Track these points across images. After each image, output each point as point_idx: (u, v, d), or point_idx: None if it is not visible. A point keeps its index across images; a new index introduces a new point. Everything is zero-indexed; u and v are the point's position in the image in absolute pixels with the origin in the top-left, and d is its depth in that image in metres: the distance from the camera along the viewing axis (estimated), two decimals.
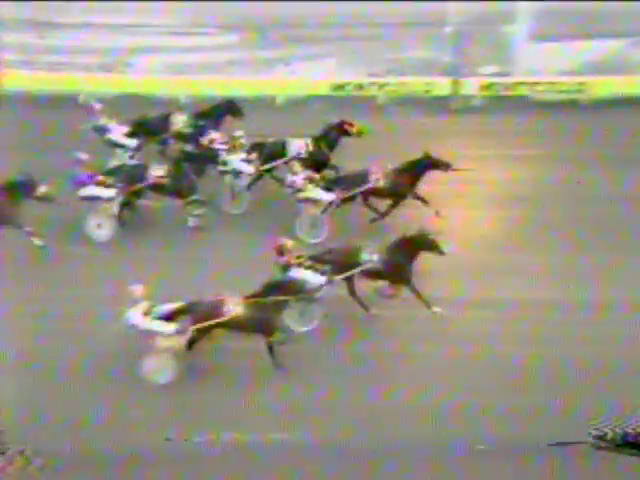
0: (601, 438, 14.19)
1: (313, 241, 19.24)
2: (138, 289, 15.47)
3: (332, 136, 21.42)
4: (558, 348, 16.50)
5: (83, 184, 19.43)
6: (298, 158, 20.68)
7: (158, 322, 15.48)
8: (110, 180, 19.61)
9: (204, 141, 21.31)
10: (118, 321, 15.49)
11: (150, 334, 15.43)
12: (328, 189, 19.86)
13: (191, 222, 20.04)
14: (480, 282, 18.23)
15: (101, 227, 19.62)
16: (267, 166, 21.05)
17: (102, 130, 21.59)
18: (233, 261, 18.48)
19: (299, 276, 16.54)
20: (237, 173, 20.67)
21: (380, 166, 20.00)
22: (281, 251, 16.81)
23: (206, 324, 15.57)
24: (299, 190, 19.73)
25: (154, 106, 23.87)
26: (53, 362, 16.00)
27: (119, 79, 27.16)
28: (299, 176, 19.79)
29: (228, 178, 20.71)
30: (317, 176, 20.12)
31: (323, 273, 16.86)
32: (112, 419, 14.91)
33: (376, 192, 20.06)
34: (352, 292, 17.44)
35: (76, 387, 15.54)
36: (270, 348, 15.87)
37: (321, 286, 16.72)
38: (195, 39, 27.91)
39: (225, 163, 20.56)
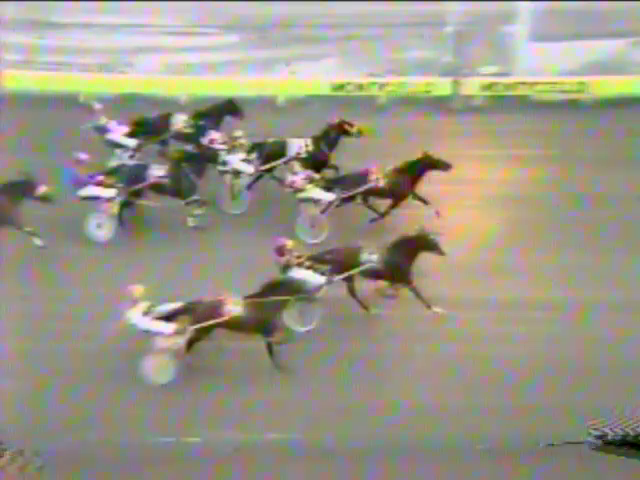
0: (601, 438, 14.20)
1: (313, 241, 19.24)
2: (138, 289, 15.47)
3: (332, 136, 21.40)
4: (558, 348, 16.52)
5: (83, 184, 19.44)
6: (298, 158, 20.69)
7: (158, 322, 15.49)
8: (110, 180, 19.63)
9: (204, 141, 21.34)
10: (118, 321, 15.49)
11: (150, 334, 15.44)
12: (328, 189, 19.87)
13: (191, 222, 20.03)
14: (480, 282, 18.25)
15: (101, 227, 19.61)
16: (267, 166, 21.05)
17: (102, 130, 21.59)
18: (233, 261, 18.49)
19: (299, 276, 16.55)
20: (237, 173, 20.68)
21: (380, 166, 20.00)
22: (281, 251, 16.82)
23: (206, 324, 15.58)
24: (299, 190, 19.74)
25: (154, 106, 23.88)
26: (53, 362, 16.00)
27: (119, 79, 27.13)
28: (299, 176, 19.80)
29: (228, 178, 20.72)
30: (317, 176, 20.13)
31: (323, 273, 16.87)
32: (112, 419, 14.92)
33: (376, 192, 20.06)
34: (352, 292, 17.44)
35: (76, 387, 15.54)
36: (270, 348, 15.87)
37: (321, 286, 16.74)
38: (195, 39, 27.89)
39: (225, 163, 20.56)
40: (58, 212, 19.27)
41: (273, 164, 21.09)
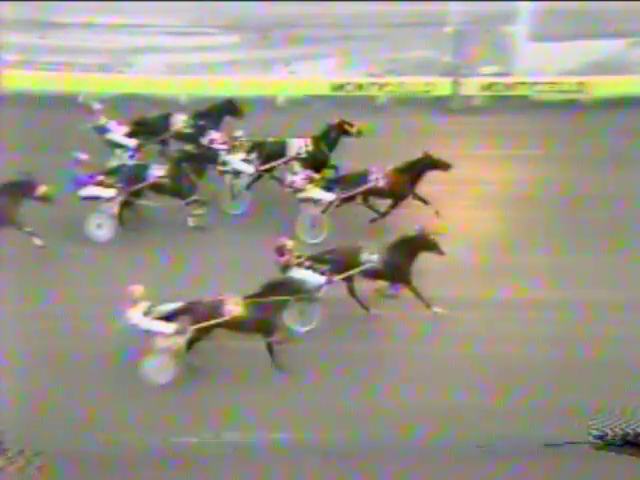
0: (601, 438, 14.19)
1: (313, 241, 19.24)
2: (138, 289, 15.47)
3: (332, 136, 21.39)
4: (558, 348, 16.52)
5: (83, 184, 19.44)
6: (298, 158, 20.70)
7: (158, 322, 15.49)
8: (110, 180, 19.63)
9: (204, 141, 21.33)
10: (118, 321, 15.50)
11: (150, 334, 15.45)
12: (328, 189, 19.87)
13: (191, 222, 20.03)
14: (480, 282, 18.24)
15: (101, 227, 19.62)
16: (267, 166, 21.05)
17: (102, 130, 21.58)
18: (233, 261, 18.49)
19: (299, 276, 16.55)
20: (237, 173, 20.68)
21: (380, 166, 20.00)
22: (281, 251, 16.82)
23: (206, 324, 15.58)
24: (299, 190, 19.74)
25: (154, 106, 23.89)
26: (53, 362, 16.01)
27: (119, 79, 27.13)
28: (299, 176, 19.80)
29: (228, 178, 20.72)
30: (317, 176, 20.13)
31: (323, 273, 16.87)
32: (112, 419, 14.92)
33: (376, 192, 20.06)
34: (352, 292, 17.44)
35: (76, 387, 15.55)
36: (270, 348, 15.87)
37: (321, 286, 16.74)
38: (195, 39, 27.89)
39: (225, 163, 20.55)
40: (58, 212, 19.27)
41: (273, 164, 21.08)
